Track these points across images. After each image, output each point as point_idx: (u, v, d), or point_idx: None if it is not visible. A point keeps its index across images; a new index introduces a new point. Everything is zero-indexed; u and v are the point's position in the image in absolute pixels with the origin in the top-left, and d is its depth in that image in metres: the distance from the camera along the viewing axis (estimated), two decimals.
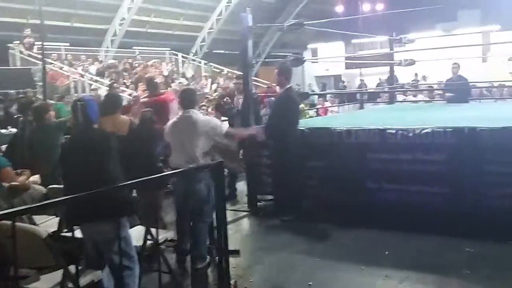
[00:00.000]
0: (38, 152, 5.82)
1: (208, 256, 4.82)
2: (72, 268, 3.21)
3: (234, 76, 8.15)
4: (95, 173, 3.33)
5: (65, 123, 6.15)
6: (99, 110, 3.77)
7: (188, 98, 4.97)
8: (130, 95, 14.38)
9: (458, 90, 10.04)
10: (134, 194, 4.46)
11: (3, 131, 10.01)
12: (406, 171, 5.75)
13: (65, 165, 3.73)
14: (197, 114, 4.93)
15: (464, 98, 10.19)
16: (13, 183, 4.81)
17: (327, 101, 15.68)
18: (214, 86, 18.70)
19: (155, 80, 7.04)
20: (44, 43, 11.74)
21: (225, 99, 7.69)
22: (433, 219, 5.40)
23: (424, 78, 19.33)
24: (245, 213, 6.72)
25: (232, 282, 4.32)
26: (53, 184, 4.88)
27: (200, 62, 22.54)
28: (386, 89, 12.46)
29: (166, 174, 4.75)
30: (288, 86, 6.28)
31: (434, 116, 7.23)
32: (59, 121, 6.47)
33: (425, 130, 5.63)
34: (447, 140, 5.50)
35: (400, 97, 14.03)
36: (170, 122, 5.07)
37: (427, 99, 14.03)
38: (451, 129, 5.53)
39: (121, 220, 3.50)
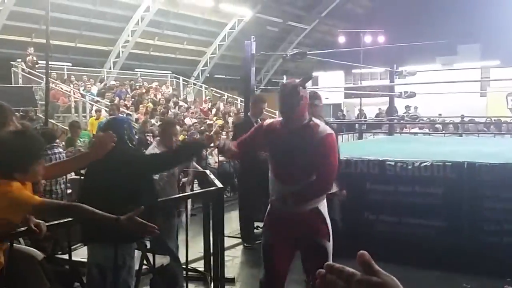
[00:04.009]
0: None
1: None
2: None
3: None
4: (111, 192, 3.34)
5: None
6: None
7: None
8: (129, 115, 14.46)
9: None
10: None
11: None
12: (404, 203, 5.74)
13: (85, 181, 3.80)
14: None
15: None
16: None
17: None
18: (214, 110, 18.79)
19: None
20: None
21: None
22: (430, 253, 5.36)
23: (415, 109, 19.18)
24: (239, 240, 6.67)
25: None
26: None
27: (201, 87, 22.69)
28: (395, 121, 12.36)
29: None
30: None
31: (433, 150, 7.25)
32: None
33: (425, 164, 5.65)
34: (446, 174, 5.51)
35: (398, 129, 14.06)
36: None
37: (425, 131, 14.08)
38: (450, 164, 5.54)
39: (129, 249, 3.51)
